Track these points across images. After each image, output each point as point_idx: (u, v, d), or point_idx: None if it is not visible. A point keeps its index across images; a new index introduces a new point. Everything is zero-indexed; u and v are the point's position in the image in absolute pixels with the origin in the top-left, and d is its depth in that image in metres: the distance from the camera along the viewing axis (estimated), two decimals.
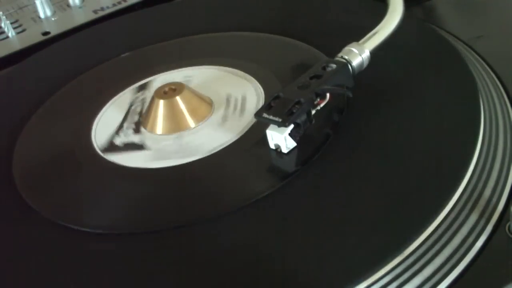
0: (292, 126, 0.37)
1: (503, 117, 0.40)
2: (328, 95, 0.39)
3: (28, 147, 0.46)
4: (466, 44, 0.48)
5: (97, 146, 0.44)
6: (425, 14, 0.55)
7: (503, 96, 0.42)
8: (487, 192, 0.34)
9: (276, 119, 0.37)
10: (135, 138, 0.44)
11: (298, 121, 0.37)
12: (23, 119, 0.49)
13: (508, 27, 0.49)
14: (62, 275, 0.34)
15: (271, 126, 0.38)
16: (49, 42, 0.64)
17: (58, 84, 0.53)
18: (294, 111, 0.37)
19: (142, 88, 0.50)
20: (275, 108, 0.37)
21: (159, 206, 0.37)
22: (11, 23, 0.66)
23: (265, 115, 0.37)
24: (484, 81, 0.43)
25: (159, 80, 0.50)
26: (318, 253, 0.31)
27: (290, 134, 0.37)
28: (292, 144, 0.38)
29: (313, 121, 0.38)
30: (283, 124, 0.37)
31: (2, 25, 0.67)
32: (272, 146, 0.38)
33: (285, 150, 0.38)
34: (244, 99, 0.45)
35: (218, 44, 0.54)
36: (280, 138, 0.37)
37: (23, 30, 0.67)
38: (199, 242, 0.34)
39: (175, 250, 0.34)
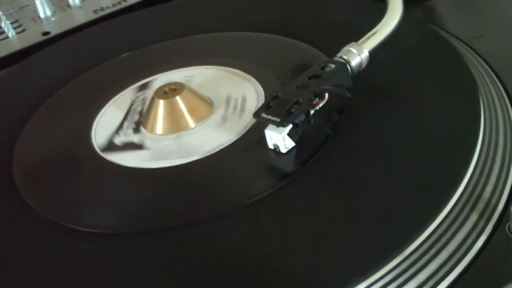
0: (290, 126, 0.37)
1: (503, 117, 0.40)
2: (326, 95, 0.38)
3: (28, 147, 0.46)
4: (466, 44, 0.48)
5: (97, 146, 0.44)
6: (425, 14, 0.55)
7: (503, 96, 0.42)
8: (487, 192, 0.34)
9: (275, 119, 0.37)
10: (134, 138, 0.44)
11: (297, 121, 0.37)
12: (23, 119, 0.49)
13: (508, 27, 0.49)
14: (61, 274, 0.34)
15: (270, 126, 0.38)
16: (49, 42, 0.64)
17: (58, 84, 0.53)
18: (293, 111, 0.37)
19: (143, 88, 0.50)
20: (274, 108, 0.37)
21: (159, 206, 0.37)
22: (11, 23, 0.67)
23: (263, 115, 0.37)
24: (484, 81, 0.43)
25: (159, 80, 0.50)
26: (318, 253, 0.31)
27: (288, 134, 0.37)
28: (290, 144, 0.38)
29: (312, 121, 0.38)
30: (281, 124, 0.36)
31: (2, 25, 0.67)
32: (270, 146, 0.38)
33: (283, 150, 0.38)
34: (244, 99, 0.45)
35: (218, 44, 0.54)
36: (279, 138, 0.37)
37: (23, 30, 0.67)
38: (199, 242, 0.34)
39: (175, 250, 0.34)
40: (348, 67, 0.40)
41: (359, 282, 0.29)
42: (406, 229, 0.31)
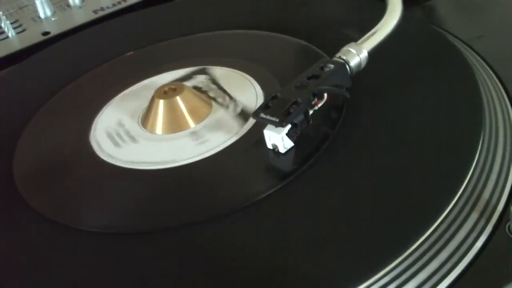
0: (289, 126, 0.37)
1: (503, 117, 0.40)
2: (325, 95, 0.38)
3: (29, 147, 0.46)
4: (466, 44, 0.48)
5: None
6: (425, 14, 0.54)
7: (503, 96, 0.42)
8: (487, 192, 0.34)
9: (274, 119, 0.37)
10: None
11: (296, 121, 0.37)
12: (24, 119, 0.49)
13: (508, 27, 0.49)
14: (61, 274, 0.34)
15: (269, 126, 0.38)
16: (49, 42, 0.64)
17: (58, 85, 0.53)
18: (292, 111, 0.37)
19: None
20: (273, 108, 0.37)
21: (159, 206, 0.37)
22: (11, 23, 0.67)
23: (262, 115, 0.37)
24: (484, 81, 0.43)
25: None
26: (318, 254, 0.31)
27: (287, 134, 0.37)
28: (289, 144, 0.38)
29: (311, 121, 0.38)
30: (280, 124, 0.36)
31: (2, 25, 0.67)
32: (269, 146, 0.38)
33: (282, 150, 0.38)
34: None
35: (218, 44, 0.54)
36: (278, 138, 0.37)
37: (23, 30, 0.67)
38: (198, 242, 0.34)
39: (174, 250, 0.34)
40: (347, 67, 0.40)
41: (359, 282, 0.29)
42: (406, 229, 0.31)
